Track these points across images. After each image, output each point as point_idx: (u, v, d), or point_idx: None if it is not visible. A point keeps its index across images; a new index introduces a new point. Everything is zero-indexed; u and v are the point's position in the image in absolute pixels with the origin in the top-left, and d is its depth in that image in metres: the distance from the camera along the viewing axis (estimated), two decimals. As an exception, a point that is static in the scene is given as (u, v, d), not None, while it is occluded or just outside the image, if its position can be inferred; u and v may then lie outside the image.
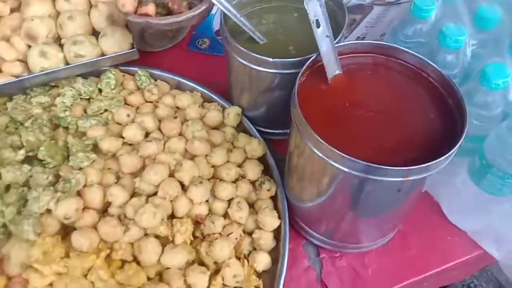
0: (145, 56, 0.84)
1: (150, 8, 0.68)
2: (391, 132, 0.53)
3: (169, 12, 0.70)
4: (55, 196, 0.57)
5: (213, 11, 0.91)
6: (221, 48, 0.91)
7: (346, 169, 0.49)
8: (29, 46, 0.76)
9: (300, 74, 0.56)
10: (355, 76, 0.59)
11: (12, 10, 0.82)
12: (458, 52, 0.60)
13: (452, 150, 0.48)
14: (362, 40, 0.87)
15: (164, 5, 0.70)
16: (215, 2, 0.64)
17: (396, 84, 0.58)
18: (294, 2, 0.74)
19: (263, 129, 0.77)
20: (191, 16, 0.70)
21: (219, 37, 0.93)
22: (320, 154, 0.51)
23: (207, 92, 0.80)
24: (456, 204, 0.68)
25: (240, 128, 0.76)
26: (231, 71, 0.73)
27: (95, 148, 0.68)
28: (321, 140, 0.49)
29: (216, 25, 0.94)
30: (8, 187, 0.60)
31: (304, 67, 0.56)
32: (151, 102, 0.78)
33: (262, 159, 0.71)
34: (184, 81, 0.81)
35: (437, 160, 0.47)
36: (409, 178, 0.48)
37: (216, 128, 0.75)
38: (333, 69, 0.58)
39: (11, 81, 0.72)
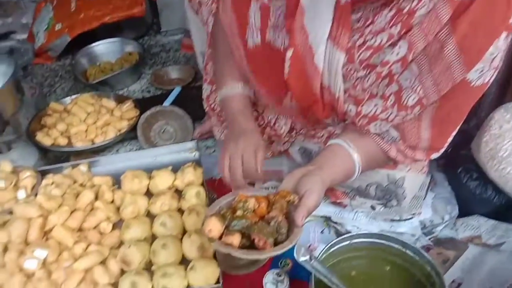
0: (228, 279, 0.83)
1: (235, 239, 0.68)
2: None
3: (252, 244, 0.71)
4: None
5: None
6: (303, 272, 0.89)
7: None
8: (122, 270, 0.80)
9: None
10: None
11: (114, 227, 0.89)
12: None
13: None
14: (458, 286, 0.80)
15: (249, 236, 0.71)
16: (310, 269, 0.64)
17: None
18: (386, 254, 0.72)
19: None
20: (274, 254, 0.70)
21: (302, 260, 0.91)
22: None
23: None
24: None
25: None
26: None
27: None
28: None
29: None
30: None
31: None
32: None
33: None
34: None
35: None
36: None
37: None
38: None
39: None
